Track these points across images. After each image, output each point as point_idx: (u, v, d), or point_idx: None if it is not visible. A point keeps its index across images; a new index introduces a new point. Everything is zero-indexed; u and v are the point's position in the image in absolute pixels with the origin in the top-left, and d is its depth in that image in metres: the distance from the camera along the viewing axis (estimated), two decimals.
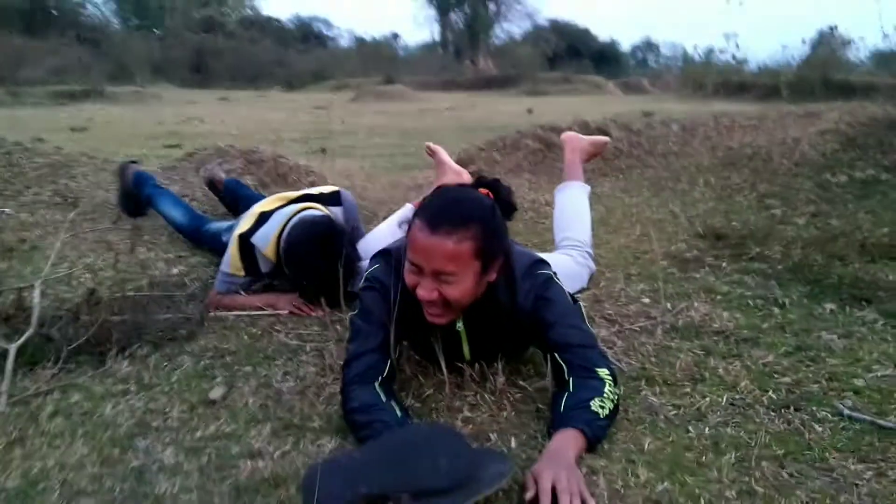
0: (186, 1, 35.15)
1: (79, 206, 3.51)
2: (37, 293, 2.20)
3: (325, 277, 2.44)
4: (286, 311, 2.57)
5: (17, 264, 2.98)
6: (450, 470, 1.41)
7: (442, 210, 1.77)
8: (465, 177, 3.18)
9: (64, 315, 2.37)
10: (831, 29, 18.60)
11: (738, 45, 10.80)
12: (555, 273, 1.94)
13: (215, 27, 29.44)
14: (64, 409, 1.91)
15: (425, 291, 1.75)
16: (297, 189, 3.20)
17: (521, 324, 1.89)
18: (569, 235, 2.89)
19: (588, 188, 3.16)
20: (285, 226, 2.62)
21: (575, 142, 3.31)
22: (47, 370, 2.10)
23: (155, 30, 31.90)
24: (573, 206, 3.03)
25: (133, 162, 3.83)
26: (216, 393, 1.98)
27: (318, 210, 2.76)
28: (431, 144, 3.43)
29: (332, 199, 2.93)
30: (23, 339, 2.06)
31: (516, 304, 1.87)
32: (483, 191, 1.97)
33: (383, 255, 1.98)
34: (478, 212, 1.77)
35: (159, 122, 10.70)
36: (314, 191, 3.00)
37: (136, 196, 3.56)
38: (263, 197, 3.13)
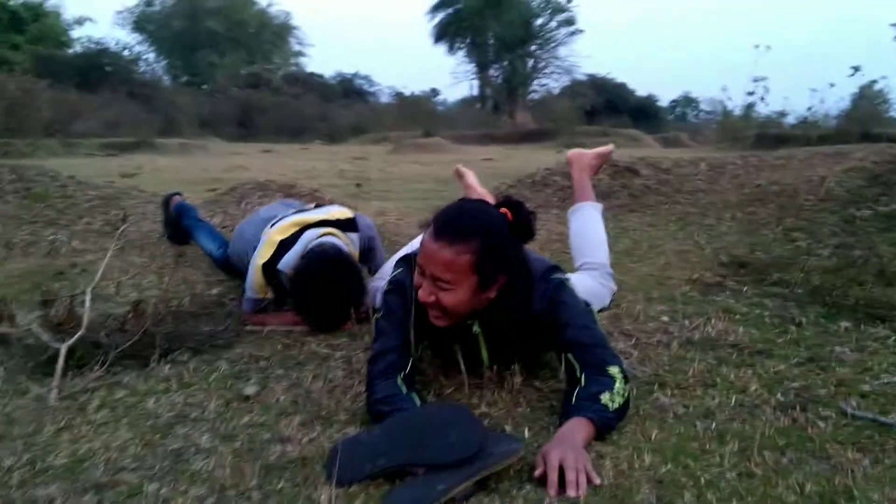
0: (234, 58, 36.40)
1: (127, 221, 3.70)
2: (87, 299, 2.36)
3: (327, 313, 2.58)
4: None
5: (68, 285, 3.16)
6: (462, 446, 1.51)
7: (449, 219, 1.87)
8: (490, 199, 3.28)
9: (111, 324, 2.53)
10: (871, 83, 18.51)
11: (766, 88, 10.79)
12: (567, 278, 2.04)
13: (261, 83, 30.32)
14: (109, 402, 2.06)
15: (423, 294, 1.87)
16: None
17: (536, 327, 1.99)
18: (588, 260, 2.92)
19: (600, 206, 3.19)
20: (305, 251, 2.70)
21: (581, 159, 3.29)
22: (95, 372, 2.25)
23: (203, 86, 33.01)
24: (588, 228, 3.05)
25: (177, 194, 4.00)
26: (250, 390, 2.11)
27: (336, 239, 2.79)
28: (461, 167, 3.57)
29: (348, 225, 2.94)
30: (73, 339, 2.22)
31: (531, 308, 1.97)
32: (504, 210, 1.97)
33: (405, 259, 2.10)
34: (483, 228, 1.84)
35: (204, 170, 11.06)
36: (330, 215, 2.95)
37: (178, 226, 3.75)
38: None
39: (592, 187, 3.27)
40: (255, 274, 2.73)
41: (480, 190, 3.45)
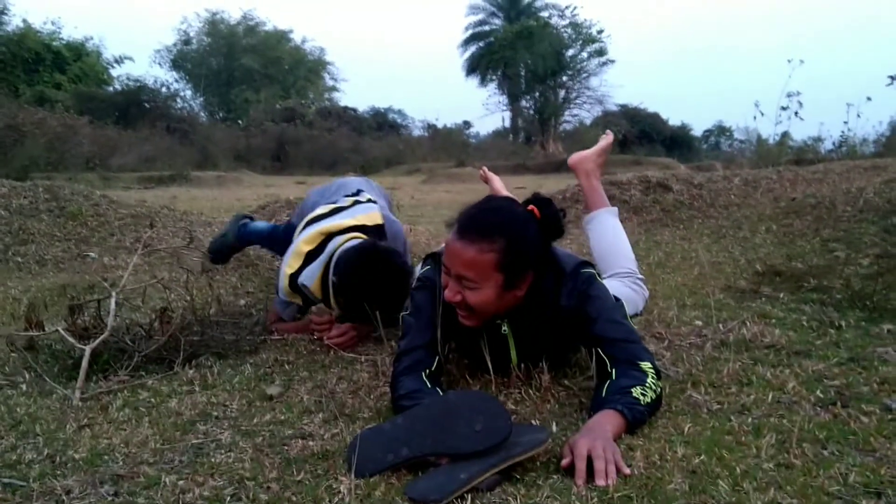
0: (269, 94, 37.01)
1: (156, 226, 3.71)
2: (112, 302, 2.36)
3: (383, 300, 2.48)
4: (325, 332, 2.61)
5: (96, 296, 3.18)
6: (487, 434, 1.46)
7: (473, 217, 1.84)
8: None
9: (137, 331, 2.53)
10: None
11: (800, 104, 10.60)
12: (597, 273, 1.99)
13: (295, 117, 30.74)
14: (132, 402, 2.05)
15: (449, 293, 1.84)
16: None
17: (566, 324, 1.93)
18: (616, 270, 2.84)
19: (615, 209, 3.07)
20: (328, 263, 2.63)
21: (584, 164, 3.13)
22: (119, 375, 2.25)
23: (239, 121, 33.58)
24: (608, 236, 2.95)
25: (248, 217, 3.70)
26: (273, 390, 2.08)
27: (361, 237, 2.72)
28: (486, 170, 3.52)
29: (376, 232, 2.84)
30: (97, 340, 2.22)
31: (560, 304, 1.92)
32: (531, 207, 1.93)
33: (434, 256, 2.07)
34: (508, 226, 1.81)
35: (238, 199, 11.19)
36: (358, 221, 2.85)
37: (233, 248, 3.53)
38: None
39: (602, 190, 3.14)
40: (283, 281, 2.70)
41: (507, 194, 3.40)
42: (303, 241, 2.77)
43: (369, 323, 2.57)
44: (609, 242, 2.95)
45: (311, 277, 2.65)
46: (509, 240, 1.78)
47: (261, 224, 3.31)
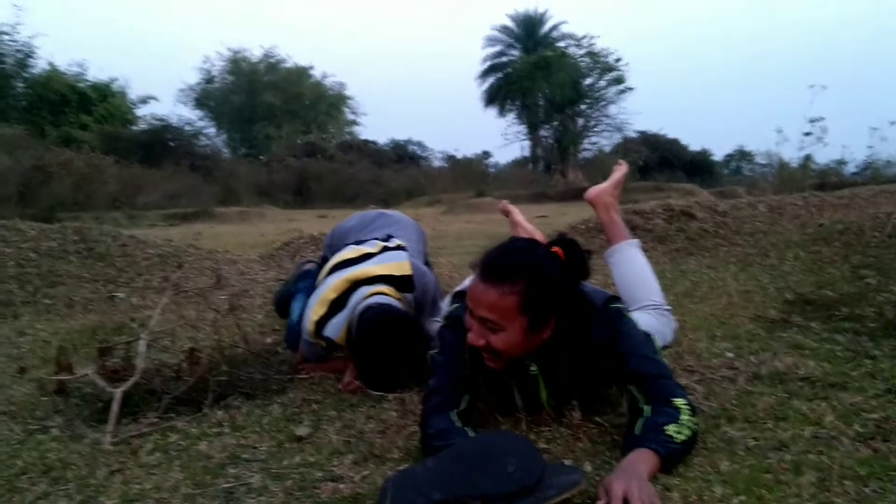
0: (290, 129, 37.47)
1: (184, 266, 3.74)
2: (142, 343, 2.37)
3: (392, 370, 2.47)
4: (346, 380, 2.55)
5: (127, 338, 3.20)
6: (520, 476, 1.44)
7: (495, 260, 1.83)
8: (538, 236, 3.19)
9: (166, 372, 2.54)
10: None
11: (824, 129, 10.52)
12: (627, 308, 1.97)
13: (316, 151, 31.05)
14: (162, 446, 2.04)
15: (473, 336, 1.82)
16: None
17: (596, 361, 1.91)
18: (643, 304, 2.78)
19: (637, 241, 3.03)
20: (353, 316, 2.58)
21: (602, 198, 3.09)
22: (149, 418, 2.25)
23: (261, 157, 33.97)
24: (632, 269, 2.91)
25: (310, 261, 3.63)
26: (302, 431, 2.07)
27: (387, 297, 2.64)
28: (507, 203, 3.52)
29: (403, 284, 2.75)
30: (128, 384, 2.23)
31: (591, 342, 1.90)
32: (556, 249, 1.91)
33: (462, 294, 2.05)
34: (531, 268, 1.80)
35: (262, 234, 11.28)
36: (387, 269, 2.77)
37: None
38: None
39: (622, 222, 3.10)
40: (308, 326, 2.68)
41: (528, 227, 3.39)
42: (330, 289, 2.71)
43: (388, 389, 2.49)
44: (634, 274, 2.91)
45: (336, 330, 2.60)
46: (532, 282, 1.77)
47: (295, 305, 3.18)
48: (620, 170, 3.21)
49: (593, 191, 3.15)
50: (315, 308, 2.68)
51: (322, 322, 2.63)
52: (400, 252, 2.88)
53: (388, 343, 2.43)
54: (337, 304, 2.65)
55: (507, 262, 1.82)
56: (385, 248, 2.90)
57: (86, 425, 2.22)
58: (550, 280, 1.81)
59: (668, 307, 2.82)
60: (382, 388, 2.43)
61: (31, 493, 1.77)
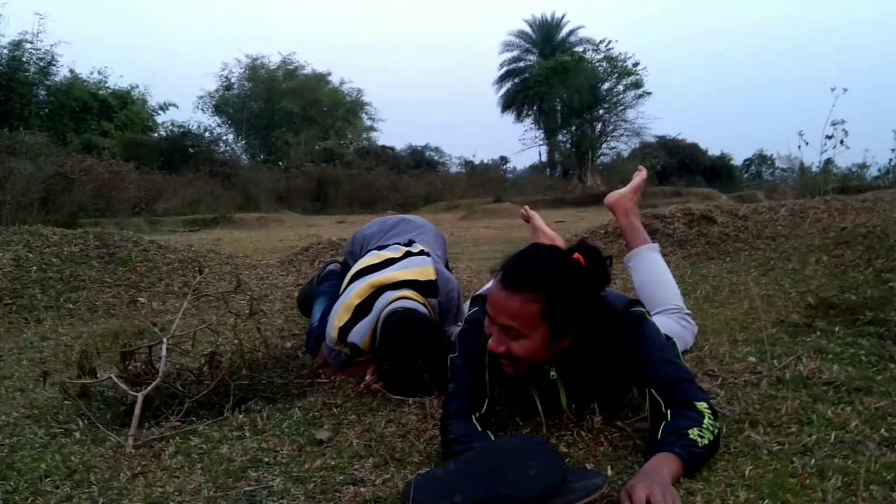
0: (309, 135, 37.58)
1: (204, 272, 3.76)
2: (164, 347, 2.39)
3: (415, 375, 2.43)
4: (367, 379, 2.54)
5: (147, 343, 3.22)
6: (541, 479, 1.43)
7: (517, 267, 1.83)
8: (559, 241, 3.19)
9: (187, 376, 2.56)
10: None
11: (846, 132, 10.41)
12: (647, 311, 1.96)
13: (335, 157, 31.14)
14: (184, 449, 2.05)
15: (493, 343, 1.82)
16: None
17: (617, 366, 1.91)
18: (663, 308, 2.78)
19: (656, 245, 3.02)
20: (377, 322, 2.58)
21: (621, 202, 3.09)
22: (171, 421, 2.26)
23: (279, 163, 34.12)
24: (652, 272, 2.89)
25: (335, 262, 3.62)
26: (323, 434, 2.07)
27: (411, 301, 2.64)
28: (528, 209, 3.51)
29: (428, 289, 2.76)
30: (149, 387, 2.24)
31: (611, 347, 1.89)
32: (577, 256, 1.90)
33: (482, 299, 2.05)
34: (553, 276, 1.80)
35: (280, 240, 11.32)
36: (411, 274, 2.78)
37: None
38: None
39: (642, 227, 3.10)
40: (332, 332, 2.68)
41: (549, 232, 3.39)
42: (354, 295, 2.72)
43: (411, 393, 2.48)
44: (653, 279, 2.89)
45: (360, 336, 2.60)
46: (554, 290, 1.77)
47: (316, 308, 3.15)
48: (640, 175, 3.20)
49: (612, 196, 3.15)
50: (339, 314, 2.69)
51: (346, 328, 2.63)
52: (424, 257, 2.88)
53: (411, 349, 2.41)
54: (361, 310, 2.65)
55: (530, 269, 1.82)
56: (408, 254, 2.90)
57: (108, 429, 2.23)
58: (572, 288, 1.81)
59: (688, 311, 2.80)
60: (405, 393, 2.43)
61: (54, 496, 1.78)
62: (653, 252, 2.97)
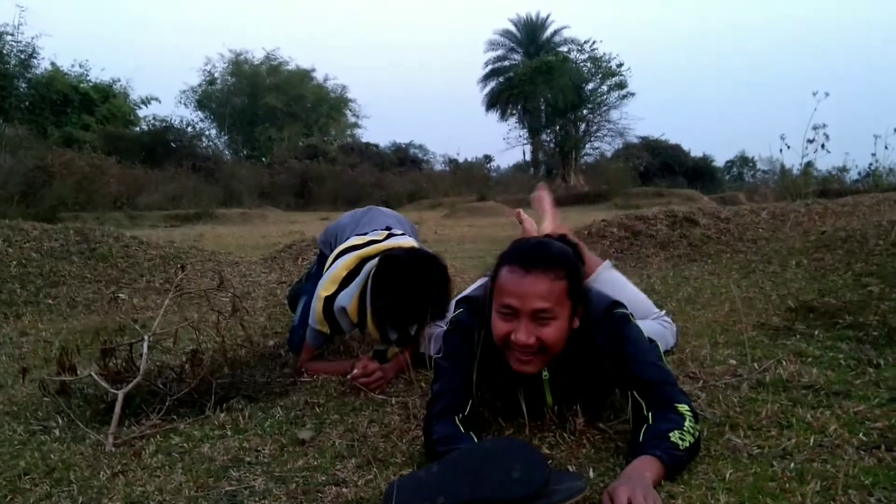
0: (292, 132, 37.45)
1: (186, 268, 3.74)
2: (145, 346, 2.37)
3: (413, 308, 2.44)
4: (356, 372, 2.50)
5: (129, 339, 3.19)
6: (524, 482, 1.44)
7: (532, 252, 1.85)
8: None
9: (168, 374, 2.54)
10: None
11: (827, 136, 10.51)
12: (631, 314, 1.97)
13: (318, 154, 31.06)
14: (164, 448, 2.04)
15: (524, 335, 1.79)
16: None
17: (601, 366, 1.91)
18: (647, 316, 2.79)
19: (608, 262, 3.03)
20: (366, 284, 2.60)
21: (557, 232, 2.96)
22: (151, 419, 2.25)
23: (263, 159, 33.99)
24: (616, 288, 2.74)
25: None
26: (305, 434, 2.07)
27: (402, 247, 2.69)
28: (522, 212, 3.54)
29: None
30: (130, 385, 2.22)
31: (595, 346, 1.90)
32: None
33: (467, 300, 2.06)
34: (566, 256, 1.87)
35: (263, 236, 11.30)
36: (393, 245, 2.80)
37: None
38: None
39: (585, 247, 2.99)
40: (317, 305, 2.67)
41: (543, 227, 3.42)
42: (342, 266, 2.74)
43: (407, 344, 2.56)
44: (622, 296, 2.89)
45: (348, 298, 2.63)
46: (572, 267, 1.85)
47: (300, 305, 3.20)
48: (544, 200, 3.44)
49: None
50: (325, 285, 2.70)
51: (332, 298, 2.65)
52: (404, 236, 2.91)
53: (416, 276, 2.42)
54: (348, 281, 2.68)
55: (547, 252, 1.86)
56: (391, 235, 2.92)
57: (88, 426, 2.22)
58: (580, 267, 1.91)
59: (666, 316, 2.83)
60: (399, 341, 2.47)
61: (33, 494, 1.77)
62: (608, 270, 2.98)
